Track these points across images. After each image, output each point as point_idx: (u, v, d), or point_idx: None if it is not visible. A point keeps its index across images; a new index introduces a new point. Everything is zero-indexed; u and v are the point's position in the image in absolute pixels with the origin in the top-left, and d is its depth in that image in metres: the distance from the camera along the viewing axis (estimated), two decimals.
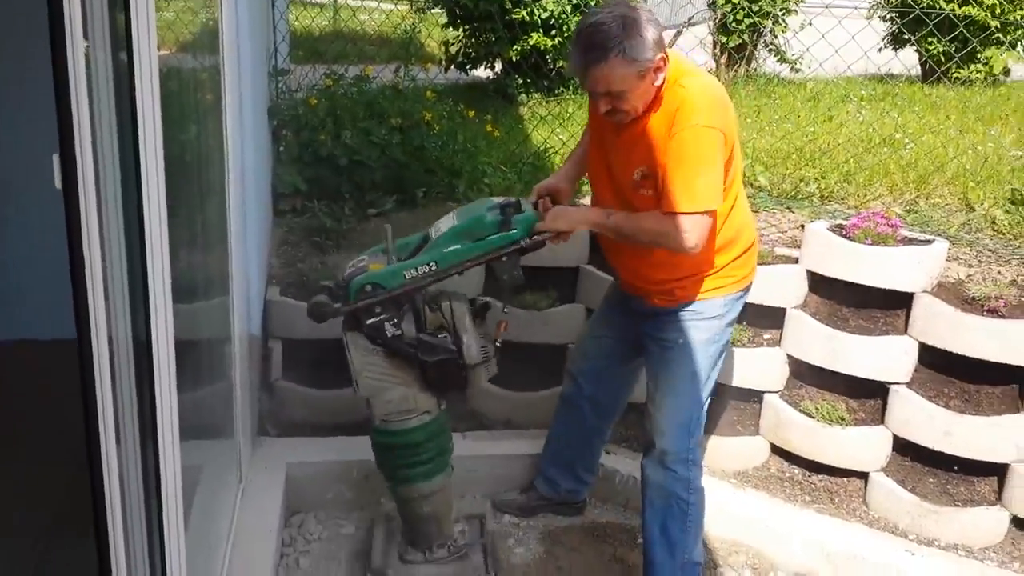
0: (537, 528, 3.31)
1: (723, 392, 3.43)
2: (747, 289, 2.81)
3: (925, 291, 3.17)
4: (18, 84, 3.46)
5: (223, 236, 2.91)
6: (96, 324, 1.54)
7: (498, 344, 2.79)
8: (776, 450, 3.45)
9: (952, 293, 3.19)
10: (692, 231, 2.42)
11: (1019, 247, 3.50)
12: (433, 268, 2.62)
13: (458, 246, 2.62)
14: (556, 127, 5.19)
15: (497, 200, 2.70)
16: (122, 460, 1.74)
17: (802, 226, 3.56)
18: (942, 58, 7.05)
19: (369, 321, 2.64)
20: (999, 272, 3.32)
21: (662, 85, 2.46)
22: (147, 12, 1.65)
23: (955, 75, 7.06)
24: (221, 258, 2.91)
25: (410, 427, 2.75)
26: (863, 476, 3.29)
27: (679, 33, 5.90)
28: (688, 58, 2.76)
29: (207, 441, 2.82)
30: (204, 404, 2.77)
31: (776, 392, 3.44)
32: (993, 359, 3.03)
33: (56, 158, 1.39)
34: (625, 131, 2.57)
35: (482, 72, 7.22)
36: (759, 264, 3.13)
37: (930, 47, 7.31)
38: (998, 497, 3.11)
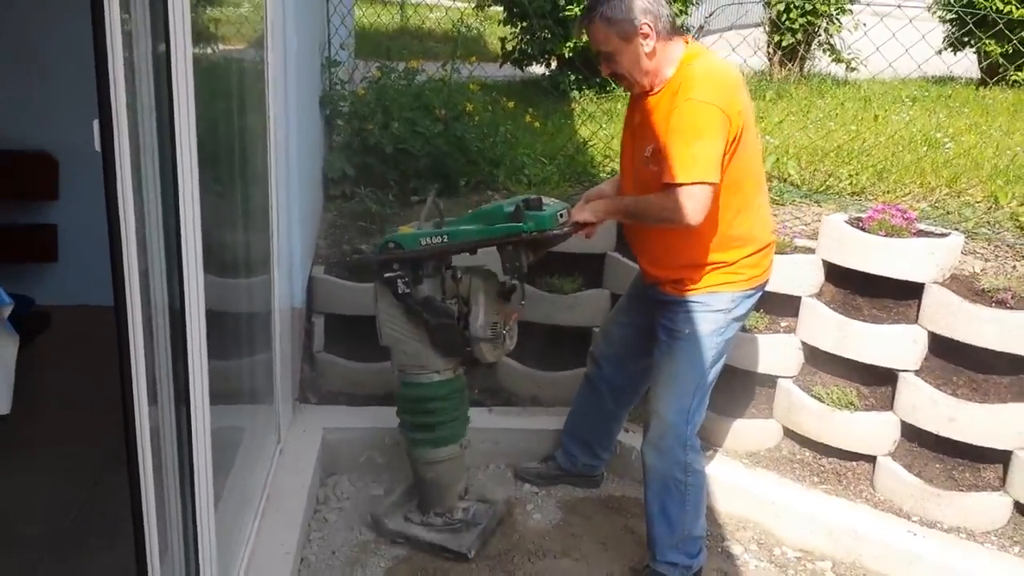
0: (555, 497, 3.49)
1: (739, 376, 3.56)
2: (759, 288, 2.90)
3: (936, 282, 3.26)
4: (69, 58, 3.73)
5: (266, 217, 3.15)
6: (131, 291, 1.71)
7: (507, 330, 2.97)
8: (788, 433, 3.57)
9: (964, 285, 3.27)
10: (689, 202, 2.56)
11: None
12: (444, 240, 2.87)
13: (471, 227, 2.85)
14: (603, 122, 5.35)
15: (531, 197, 2.88)
16: (159, 419, 1.95)
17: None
18: (1000, 60, 6.99)
19: (386, 275, 2.93)
20: (1014, 267, 3.39)
21: (656, 55, 2.67)
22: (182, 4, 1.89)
23: (1013, 78, 6.99)
24: (264, 236, 3.16)
25: (421, 382, 3.00)
26: (871, 460, 3.38)
27: (700, 29, 5.98)
28: (709, 48, 2.92)
29: (247, 405, 3.07)
30: (245, 371, 3.02)
31: (790, 377, 3.56)
32: (1000, 349, 3.11)
33: (96, 124, 1.61)
34: (639, 111, 2.77)
35: (537, 69, 7.41)
36: (777, 254, 3.27)
37: (989, 49, 7.25)
38: (1002, 483, 3.18)
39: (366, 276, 3.73)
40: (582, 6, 6.42)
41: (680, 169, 2.57)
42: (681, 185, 2.56)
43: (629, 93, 2.87)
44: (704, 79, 2.62)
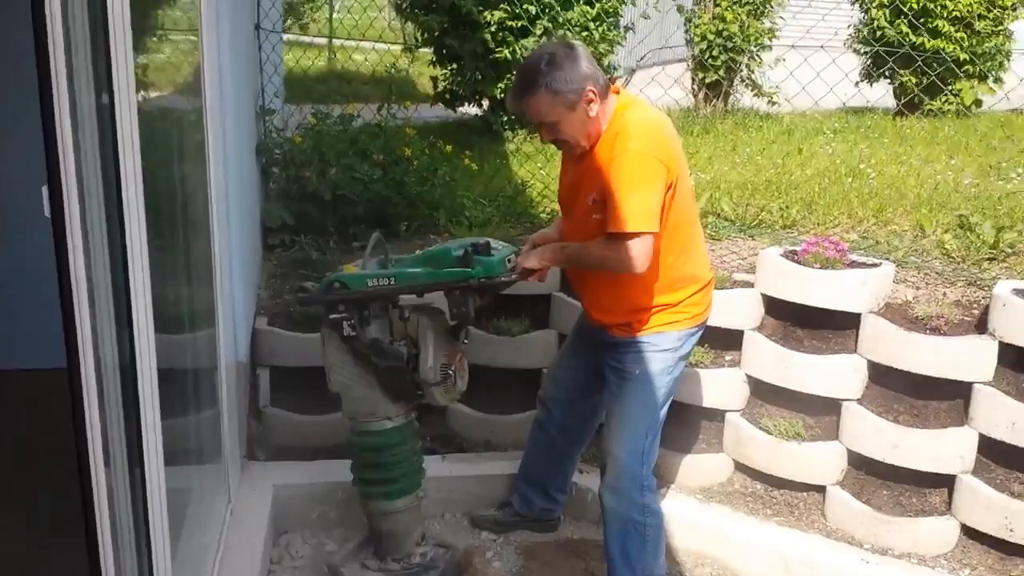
0: (514, 543, 3.46)
1: (688, 411, 3.61)
2: (701, 325, 2.97)
3: (872, 311, 3.36)
4: (16, 121, 3.65)
5: (209, 269, 3.10)
6: (84, 351, 1.68)
7: (455, 371, 2.92)
8: (739, 466, 3.62)
9: (898, 313, 3.38)
10: (632, 251, 2.60)
11: (965, 269, 3.69)
12: (391, 283, 2.83)
13: (419, 269, 2.83)
14: (540, 162, 5.41)
15: (480, 241, 2.85)
16: (112, 481, 1.89)
17: (759, 253, 3.75)
18: (915, 90, 7.28)
19: (331, 316, 2.87)
20: (944, 293, 3.51)
21: (598, 117, 2.69)
22: (126, 54, 1.85)
23: (927, 107, 7.29)
24: (207, 290, 3.10)
25: (372, 429, 2.95)
26: (821, 489, 3.45)
27: (632, 72, 6.12)
28: (641, 97, 2.98)
29: (196, 465, 2.99)
30: (193, 429, 2.95)
31: (737, 411, 3.61)
32: (937, 375, 3.21)
33: (45, 189, 1.58)
34: (581, 161, 2.80)
35: (470, 109, 7.46)
36: (717, 289, 3.33)
37: (903, 80, 7.55)
38: (948, 507, 3.27)
39: (311, 326, 3.68)
40: (511, 49, 6.55)
41: (622, 219, 2.61)
42: (624, 234, 2.61)
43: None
44: (639, 130, 2.68)
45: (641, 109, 2.80)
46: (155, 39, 2.56)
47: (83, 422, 1.70)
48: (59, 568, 2.86)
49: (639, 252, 2.61)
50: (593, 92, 2.66)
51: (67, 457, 1.75)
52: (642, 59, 6.06)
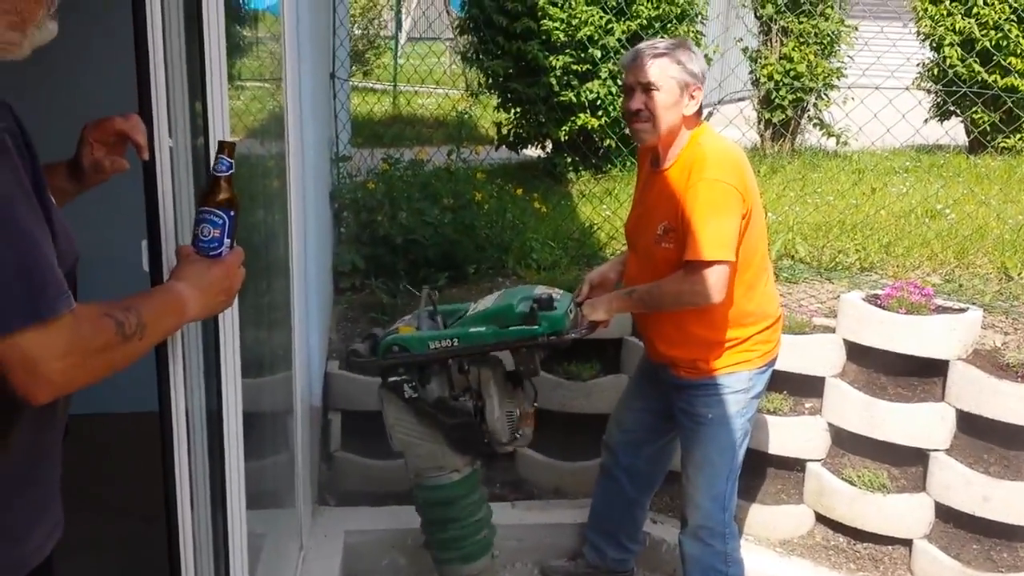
0: None
1: (766, 461, 3.52)
2: (772, 363, 2.90)
3: (960, 358, 3.25)
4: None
5: (287, 313, 3.13)
6: (176, 398, 1.71)
7: (517, 417, 2.87)
8: (820, 518, 3.51)
9: (987, 360, 3.26)
10: (710, 279, 2.57)
11: None
12: (455, 344, 2.77)
13: (483, 328, 2.76)
14: (603, 203, 5.40)
15: (538, 291, 2.81)
16: (195, 524, 1.92)
17: (839, 297, 3.66)
18: (988, 129, 7.12)
19: (391, 379, 2.83)
20: None
21: (683, 122, 2.70)
22: (221, 102, 1.89)
23: (1001, 145, 7.12)
24: (285, 334, 3.12)
25: (441, 484, 2.90)
26: (907, 543, 3.32)
27: (711, 114, 6.10)
28: (715, 130, 2.97)
29: (271, 510, 3.00)
30: (269, 474, 2.96)
31: (819, 460, 3.51)
32: None
33: (144, 243, 1.59)
34: (653, 187, 2.78)
35: (533, 151, 7.50)
36: (797, 334, 3.25)
37: (976, 118, 7.39)
38: None
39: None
40: (576, 92, 6.59)
41: (701, 247, 2.58)
42: (702, 263, 2.57)
43: (637, 172, 2.87)
44: (717, 158, 2.67)
45: (717, 138, 2.80)
46: (243, 87, 2.61)
47: (172, 463, 1.71)
48: None
49: (716, 280, 2.57)
50: (699, 91, 2.69)
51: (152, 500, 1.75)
52: (721, 101, 6.02)
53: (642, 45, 2.76)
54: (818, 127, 7.57)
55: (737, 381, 2.80)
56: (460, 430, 2.84)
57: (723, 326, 2.76)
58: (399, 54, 13.24)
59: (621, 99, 6.40)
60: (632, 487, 3.25)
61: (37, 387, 1.17)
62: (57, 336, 1.15)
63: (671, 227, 2.68)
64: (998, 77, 7.25)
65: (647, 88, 2.69)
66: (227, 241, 1.51)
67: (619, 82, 6.59)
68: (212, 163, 1.54)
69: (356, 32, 13.11)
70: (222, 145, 1.54)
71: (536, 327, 2.70)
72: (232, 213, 1.51)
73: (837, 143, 7.42)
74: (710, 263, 2.57)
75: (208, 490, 1.99)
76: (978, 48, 7.20)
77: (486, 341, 2.77)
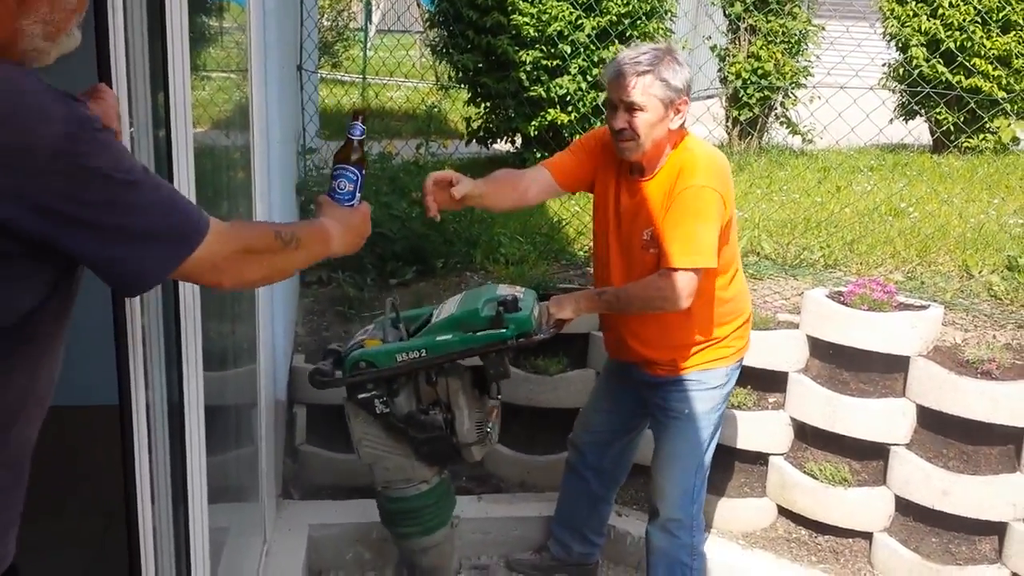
0: None
1: (730, 455, 3.54)
2: (742, 360, 2.95)
3: (921, 355, 3.29)
4: None
5: (252, 306, 3.10)
6: (136, 390, 1.69)
7: (491, 427, 2.85)
8: (783, 511, 3.54)
9: (948, 356, 3.31)
10: (683, 285, 2.58)
11: (1014, 312, 3.62)
12: (423, 355, 2.70)
13: (450, 336, 2.69)
14: (571, 198, 5.39)
15: (501, 291, 2.76)
16: (156, 520, 1.89)
17: (803, 293, 3.70)
18: (951, 128, 7.22)
19: (360, 396, 2.75)
20: (994, 336, 3.44)
21: (669, 136, 2.66)
22: (184, 92, 1.87)
23: (965, 144, 7.22)
24: (250, 327, 3.09)
25: (408, 495, 2.86)
26: (867, 536, 3.37)
27: None
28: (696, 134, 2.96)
29: (234, 504, 2.97)
30: (232, 468, 2.93)
31: (781, 454, 3.54)
32: (988, 420, 3.14)
33: None
34: (635, 194, 2.75)
35: (502, 146, 7.49)
36: (761, 330, 3.27)
37: (940, 118, 7.49)
38: (999, 555, 3.18)
39: None
40: (545, 87, 6.59)
41: (672, 254, 2.59)
42: (679, 269, 2.58)
43: (613, 171, 2.84)
44: (704, 163, 2.67)
45: (703, 143, 2.81)
46: (208, 78, 2.58)
47: (132, 458, 1.70)
48: None
49: (684, 287, 2.58)
50: (684, 105, 2.64)
51: (113, 491, 1.75)
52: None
53: (624, 58, 2.64)
54: (785, 125, 7.64)
55: (714, 377, 2.83)
56: (430, 444, 2.80)
57: (708, 328, 2.79)
58: (368, 46, 13.16)
59: (590, 95, 6.49)
60: (598, 485, 3.26)
61: (223, 277, 1.41)
62: (227, 239, 1.38)
63: (656, 233, 2.68)
64: (962, 78, 7.34)
65: (630, 108, 2.62)
66: (358, 195, 1.83)
67: (588, 78, 6.61)
68: (348, 127, 1.83)
69: (325, 23, 13.01)
70: (356, 112, 1.85)
71: (504, 331, 2.65)
72: (363, 171, 1.82)
73: (803, 141, 7.49)
74: (680, 270, 2.58)
75: (169, 485, 1.97)
76: (943, 49, 7.30)
77: (454, 349, 2.70)
